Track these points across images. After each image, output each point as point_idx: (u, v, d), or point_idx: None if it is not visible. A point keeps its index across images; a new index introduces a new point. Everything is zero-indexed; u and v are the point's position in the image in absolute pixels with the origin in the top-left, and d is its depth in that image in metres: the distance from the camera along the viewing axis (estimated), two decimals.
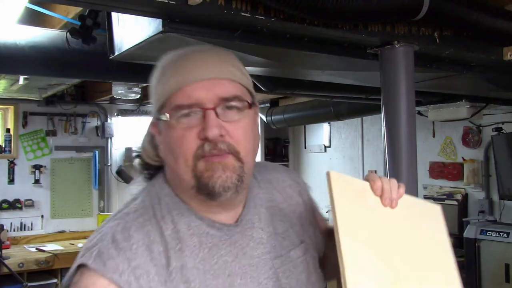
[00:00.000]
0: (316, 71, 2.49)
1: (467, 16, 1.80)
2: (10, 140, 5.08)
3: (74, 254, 0.94)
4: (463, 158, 4.39)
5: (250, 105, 0.96)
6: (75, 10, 2.18)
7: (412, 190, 1.81)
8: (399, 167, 1.81)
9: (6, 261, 4.06)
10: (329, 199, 0.84)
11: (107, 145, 5.54)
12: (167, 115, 0.93)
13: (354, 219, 0.84)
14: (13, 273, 3.91)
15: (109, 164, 5.52)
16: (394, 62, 1.83)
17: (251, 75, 1.02)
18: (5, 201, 5.02)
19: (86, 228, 5.26)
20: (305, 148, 6.13)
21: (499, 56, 2.09)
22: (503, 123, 4.08)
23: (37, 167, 5.17)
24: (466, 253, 3.64)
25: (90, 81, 4.74)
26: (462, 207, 4.26)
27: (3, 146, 5.07)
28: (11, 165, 5.09)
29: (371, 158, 5.25)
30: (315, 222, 1.14)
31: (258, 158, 1.13)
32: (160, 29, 1.48)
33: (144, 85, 3.59)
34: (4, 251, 4.37)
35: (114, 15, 1.84)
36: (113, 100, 5.35)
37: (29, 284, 4.00)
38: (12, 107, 5.12)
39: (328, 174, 0.86)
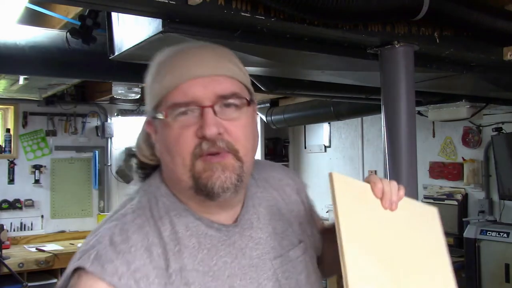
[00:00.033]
0: (316, 71, 2.49)
1: (467, 16, 1.80)
2: (10, 140, 5.08)
3: (74, 254, 0.92)
4: (463, 158, 4.39)
5: (249, 103, 0.94)
6: (75, 10, 2.18)
7: (412, 190, 1.82)
8: (399, 167, 1.81)
9: (6, 261, 4.06)
10: (331, 200, 0.84)
11: (107, 145, 5.54)
12: (163, 113, 0.91)
13: (356, 221, 0.84)
14: (13, 273, 3.92)
15: (109, 164, 5.52)
16: (394, 62, 1.83)
17: (251, 75, 1.01)
18: (5, 201, 5.02)
19: (86, 228, 5.26)
20: (305, 148, 6.13)
21: (499, 56, 2.09)
22: (503, 123, 4.08)
23: (37, 167, 5.17)
24: (466, 253, 3.64)
25: (90, 81, 4.74)
26: (462, 207, 4.25)
27: (3, 146, 5.07)
28: (11, 165, 5.10)
29: (371, 158, 5.25)
30: (313, 221, 1.14)
31: (258, 157, 1.11)
32: (160, 29, 1.48)
33: (144, 85, 3.58)
34: (4, 251, 4.37)
35: (114, 15, 1.84)
36: (113, 100, 5.35)
37: (29, 284, 4.00)
38: (12, 107, 5.12)
39: (330, 175, 0.86)
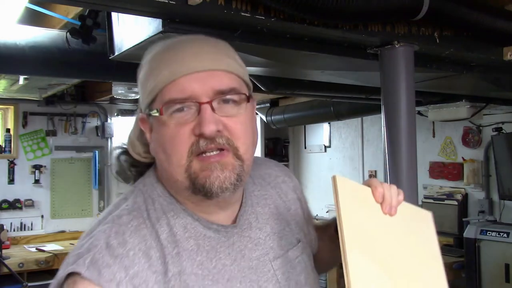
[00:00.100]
0: (316, 71, 2.49)
1: (467, 16, 1.80)
2: (10, 140, 5.08)
3: (66, 257, 0.87)
4: (463, 158, 4.39)
5: (248, 98, 0.90)
6: (75, 10, 2.18)
7: (412, 190, 1.82)
8: (399, 167, 1.81)
9: (6, 261, 4.07)
10: (334, 203, 0.83)
11: (107, 145, 5.54)
12: (159, 110, 0.87)
13: (357, 225, 0.84)
14: (13, 273, 3.91)
15: (109, 164, 5.52)
16: (394, 62, 1.83)
17: (251, 75, 1.00)
18: (5, 201, 5.02)
19: (86, 228, 5.23)
20: (305, 148, 6.13)
21: (499, 56, 2.09)
22: (503, 123, 4.08)
23: (37, 167, 5.17)
24: (466, 253, 3.64)
25: (90, 81, 4.75)
26: (462, 207, 4.25)
27: (3, 146, 5.07)
28: (11, 165, 5.10)
29: (371, 158, 5.25)
30: (309, 219, 1.12)
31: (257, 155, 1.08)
32: (160, 29, 1.48)
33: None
34: (4, 251, 4.37)
35: (114, 15, 1.84)
36: (113, 100, 5.35)
37: (29, 284, 4.00)
38: (12, 107, 5.12)
39: (334, 178, 0.85)
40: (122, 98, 4.54)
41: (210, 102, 0.85)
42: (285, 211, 1.05)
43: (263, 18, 1.49)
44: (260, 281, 0.91)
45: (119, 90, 3.91)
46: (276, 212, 1.02)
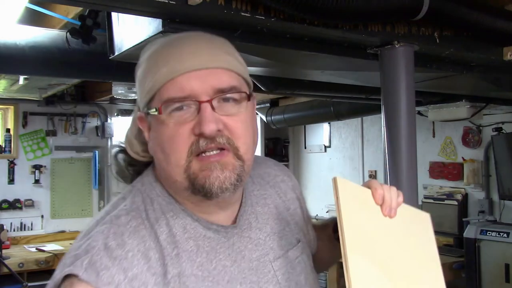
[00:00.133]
0: (316, 71, 2.49)
1: (467, 16, 1.80)
2: (10, 140, 5.08)
3: (62, 258, 0.85)
4: (463, 158, 4.39)
5: (248, 97, 0.89)
6: (75, 10, 2.18)
7: (412, 190, 1.82)
8: (399, 167, 1.81)
9: (6, 261, 4.07)
10: (335, 205, 0.83)
11: (107, 145, 5.54)
12: (157, 109, 0.85)
13: (358, 227, 0.84)
14: (13, 273, 3.91)
15: (109, 164, 5.51)
16: (394, 62, 1.83)
17: (251, 75, 0.99)
18: (5, 201, 5.02)
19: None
20: (305, 148, 6.13)
21: (499, 56, 2.09)
22: (503, 123, 4.08)
23: (37, 167, 5.17)
24: (466, 253, 3.64)
25: (90, 81, 4.75)
26: (462, 207, 4.25)
27: (3, 146, 5.07)
28: (11, 165, 5.10)
29: (371, 158, 5.25)
30: (308, 219, 1.11)
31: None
32: (160, 29, 1.48)
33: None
34: (4, 251, 4.37)
35: (114, 15, 1.84)
36: (113, 100, 5.36)
37: (29, 284, 4.00)
38: (12, 107, 5.13)
39: (334, 180, 0.85)
40: (122, 98, 4.54)
41: (210, 101, 0.83)
42: (285, 211, 1.04)
43: (263, 18, 1.49)
44: (260, 282, 0.90)
45: (119, 90, 3.91)
46: (275, 212, 1.02)
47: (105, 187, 5.52)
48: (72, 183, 5.37)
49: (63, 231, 5.25)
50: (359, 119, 5.27)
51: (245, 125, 0.87)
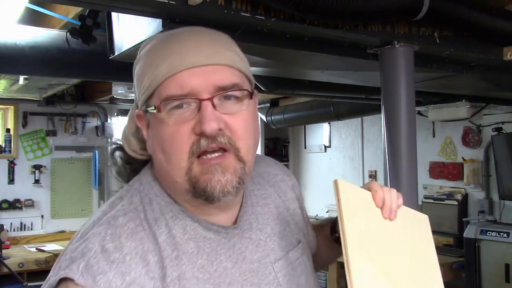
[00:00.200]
0: (316, 71, 2.49)
1: (467, 16, 1.80)
2: (10, 140, 5.08)
3: (58, 258, 0.83)
4: (463, 158, 4.39)
5: (251, 94, 0.86)
6: (75, 10, 2.18)
7: (412, 191, 1.81)
8: (399, 167, 1.81)
9: (6, 261, 4.07)
10: (336, 208, 0.83)
11: (107, 145, 5.54)
12: (157, 107, 0.82)
13: (359, 229, 0.84)
14: (13, 273, 3.92)
15: (109, 164, 5.50)
16: (394, 62, 1.83)
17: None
18: (5, 201, 5.02)
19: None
20: (305, 148, 6.13)
21: (499, 56, 2.09)
22: (503, 123, 4.08)
23: (37, 167, 5.17)
24: (466, 253, 3.64)
25: (90, 81, 4.75)
26: (462, 207, 4.25)
27: (3, 146, 5.07)
28: (11, 165, 5.10)
29: (371, 158, 5.25)
30: (307, 219, 1.10)
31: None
32: (160, 29, 1.48)
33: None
34: (4, 251, 4.37)
35: (114, 15, 1.84)
36: (113, 100, 5.35)
37: (29, 284, 4.00)
38: (12, 107, 5.13)
39: (335, 182, 0.84)
40: (122, 98, 4.54)
41: (211, 99, 0.81)
42: (285, 211, 1.03)
43: (263, 18, 1.49)
44: (261, 284, 0.89)
45: (119, 90, 3.91)
46: (276, 212, 1.00)
47: (105, 187, 5.52)
48: (72, 183, 5.37)
49: (63, 231, 5.24)
50: (359, 119, 5.27)
51: (247, 124, 0.85)
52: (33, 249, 4.66)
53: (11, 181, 5.09)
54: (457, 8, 1.77)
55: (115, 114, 5.59)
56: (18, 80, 3.60)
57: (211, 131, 0.80)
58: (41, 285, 0.81)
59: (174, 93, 0.81)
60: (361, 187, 0.92)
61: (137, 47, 1.68)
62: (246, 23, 1.52)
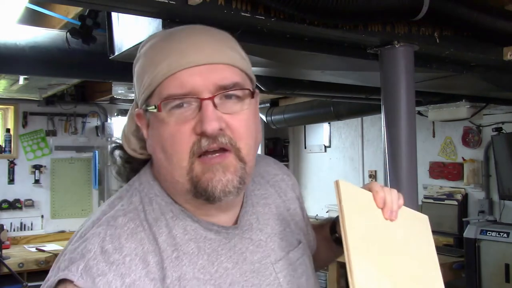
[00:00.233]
0: (316, 71, 2.49)
1: (467, 16, 1.80)
2: (10, 140, 5.08)
3: (57, 258, 0.83)
4: (463, 158, 4.39)
5: (252, 94, 0.85)
6: (75, 10, 2.18)
7: (412, 191, 1.81)
8: (399, 167, 1.81)
9: (6, 261, 4.07)
10: (338, 208, 0.83)
11: (107, 145, 5.54)
12: (157, 106, 0.81)
13: (361, 230, 0.84)
14: (13, 273, 3.92)
15: (109, 164, 5.51)
16: (394, 62, 1.83)
17: None
18: (5, 201, 5.02)
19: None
20: (305, 148, 6.13)
21: (499, 56, 2.09)
22: (503, 123, 4.08)
23: (37, 167, 5.17)
24: (466, 253, 3.64)
25: (90, 81, 4.75)
26: (462, 207, 4.25)
27: (3, 146, 5.07)
28: (11, 165, 5.10)
29: (371, 158, 5.25)
30: (307, 219, 1.10)
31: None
32: (160, 29, 1.48)
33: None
34: (4, 251, 4.37)
35: (114, 15, 1.84)
36: (113, 100, 5.35)
37: (29, 284, 4.00)
38: (12, 107, 5.13)
39: (337, 183, 0.84)
40: (122, 98, 4.54)
41: (212, 98, 0.80)
42: (285, 211, 1.02)
43: (263, 18, 1.49)
44: (262, 285, 0.88)
45: (119, 90, 3.91)
46: (276, 212, 1.00)
47: (105, 187, 5.52)
48: (72, 183, 5.38)
49: (63, 231, 5.24)
50: (359, 119, 5.27)
51: (248, 124, 0.84)
52: (33, 249, 4.67)
53: (11, 181, 5.09)
54: (457, 8, 1.77)
55: (115, 114, 5.59)
56: (18, 80, 3.61)
57: (212, 131, 0.79)
58: (41, 285, 0.81)
59: (175, 92, 0.80)
60: (362, 187, 0.92)
61: (137, 47, 1.68)
62: (246, 23, 1.52)
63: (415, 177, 1.84)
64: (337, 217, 1.05)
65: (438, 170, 4.59)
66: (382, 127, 1.89)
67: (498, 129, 4.03)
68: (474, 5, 1.82)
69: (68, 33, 2.15)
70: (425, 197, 4.41)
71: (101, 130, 5.48)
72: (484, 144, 4.26)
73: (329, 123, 5.69)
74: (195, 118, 0.80)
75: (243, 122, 0.83)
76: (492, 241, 3.50)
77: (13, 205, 5.05)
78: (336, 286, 4.18)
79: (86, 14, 2.07)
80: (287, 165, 6.00)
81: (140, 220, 0.83)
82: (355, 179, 5.20)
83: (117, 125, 5.53)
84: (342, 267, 4.11)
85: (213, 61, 0.82)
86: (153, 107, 0.82)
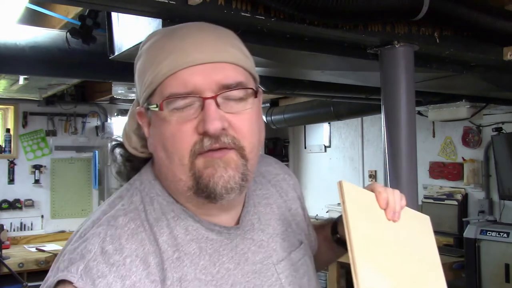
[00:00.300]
0: (316, 71, 2.49)
1: (467, 16, 1.80)
2: (10, 140, 5.08)
3: (56, 258, 0.81)
4: (463, 158, 4.39)
5: (255, 93, 0.84)
6: (75, 10, 2.18)
7: (412, 191, 1.81)
8: (399, 167, 1.81)
9: (6, 261, 4.07)
10: (342, 210, 0.83)
11: (107, 145, 5.54)
12: (159, 105, 0.80)
13: (364, 231, 0.84)
14: (13, 273, 3.92)
15: (109, 164, 5.50)
16: (394, 62, 1.83)
17: None
18: (5, 201, 5.02)
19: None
20: (305, 148, 6.13)
21: (499, 56, 2.09)
22: (503, 123, 4.08)
23: (37, 167, 5.17)
24: (466, 253, 3.64)
25: (90, 81, 4.75)
26: (462, 207, 4.25)
27: (3, 146, 5.07)
28: (11, 165, 5.10)
29: (371, 158, 5.25)
30: (308, 219, 1.09)
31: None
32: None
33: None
34: (4, 251, 4.37)
35: (114, 15, 1.84)
36: (113, 100, 5.35)
37: (29, 284, 4.00)
38: (12, 107, 5.13)
39: (340, 184, 0.84)
40: (122, 98, 4.54)
41: (214, 97, 0.79)
42: (286, 211, 1.02)
43: (263, 18, 1.49)
44: (264, 285, 0.88)
45: (119, 90, 3.91)
46: (277, 213, 0.99)
47: (105, 187, 5.51)
48: (72, 183, 5.38)
49: (63, 231, 5.24)
50: (359, 119, 5.27)
51: (251, 123, 0.83)
52: (33, 249, 4.66)
53: (11, 181, 5.09)
54: (457, 8, 1.77)
55: (115, 114, 5.59)
56: (18, 80, 3.61)
57: (214, 131, 0.78)
58: (41, 285, 0.81)
59: (177, 91, 0.80)
60: (364, 188, 0.92)
61: (137, 47, 1.68)
62: (246, 23, 1.51)
63: (415, 177, 1.84)
64: (338, 217, 1.05)
65: (438, 170, 4.59)
66: (382, 127, 1.89)
67: (498, 129, 4.03)
68: (474, 5, 1.82)
69: (68, 33, 2.15)
70: (425, 197, 4.41)
71: (101, 130, 5.48)
72: (484, 144, 4.26)
73: (329, 123, 5.69)
74: (198, 118, 0.79)
75: (246, 121, 0.82)
76: (492, 241, 3.51)
77: (13, 205, 5.05)
78: (336, 286, 4.18)
79: (86, 14, 2.07)
80: (287, 165, 5.99)
81: (141, 220, 0.82)
82: (355, 179, 5.20)
83: (117, 125, 5.53)
84: (342, 267, 4.11)
85: (216, 60, 0.81)
86: (155, 105, 0.82)
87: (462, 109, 3.51)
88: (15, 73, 3.28)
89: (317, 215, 5.32)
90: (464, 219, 4.03)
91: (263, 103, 5.29)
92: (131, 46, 1.70)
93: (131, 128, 0.93)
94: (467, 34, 1.97)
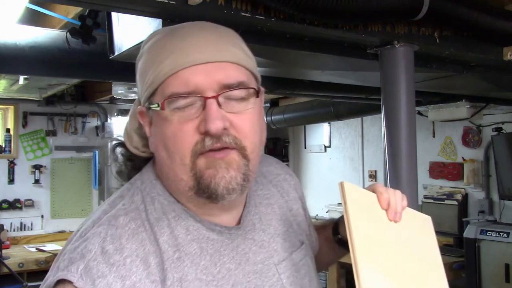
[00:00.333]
0: (316, 71, 2.49)
1: (467, 16, 1.80)
2: (10, 140, 5.08)
3: (56, 257, 0.81)
4: (463, 158, 4.39)
5: (257, 93, 0.84)
6: (75, 10, 2.18)
7: (412, 191, 1.81)
8: (399, 167, 1.81)
9: (6, 261, 4.07)
10: (343, 210, 0.83)
11: (107, 145, 5.53)
12: (160, 104, 0.80)
13: (366, 232, 0.84)
14: (13, 273, 3.92)
15: (109, 164, 5.51)
16: (394, 62, 1.83)
17: None
18: (5, 201, 5.02)
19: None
20: (305, 148, 6.13)
21: (499, 56, 2.09)
22: (503, 123, 4.08)
23: (37, 167, 5.17)
24: (466, 253, 3.64)
25: (90, 81, 4.75)
26: (462, 207, 4.25)
27: (3, 146, 5.07)
28: (11, 165, 5.10)
29: (371, 158, 5.25)
30: (309, 219, 1.09)
31: None
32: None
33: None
34: (4, 251, 4.37)
35: (114, 15, 1.84)
36: (113, 100, 5.35)
37: (29, 284, 4.00)
38: (12, 107, 5.13)
39: (341, 185, 0.84)
40: (122, 98, 4.54)
41: (216, 97, 0.79)
42: (288, 211, 1.01)
43: (263, 18, 1.49)
44: (265, 286, 0.87)
45: (119, 90, 3.91)
46: (279, 213, 0.99)
47: (105, 187, 5.51)
48: (72, 183, 5.38)
49: (63, 231, 5.24)
50: (359, 119, 5.27)
51: (253, 123, 0.83)
52: (33, 249, 4.66)
53: (11, 181, 5.09)
54: (457, 8, 1.77)
55: (115, 114, 5.59)
56: (18, 80, 3.60)
57: (215, 130, 0.78)
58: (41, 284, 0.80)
59: (178, 91, 0.79)
60: (365, 188, 0.92)
61: (137, 47, 1.68)
62: (246, 23, 1.51)
63: (415, 177, 1.84)
64: (339, 218, 1.05)
65: (438, 170, 4.59)
66: (382, 127, 1.89)
67: (498, 129, 4.03)
68: (474, 5, 1.82)
69: (68, 33, 2.15)
70: (425, 197, 4.41)
71: (101, 130, 5.48)
72: (484, 144, 4.26)
73: (329, 123, 5.69)
74: (199, 117, 0.79)
75: (248, 121, 0.82)
76: (492, 241, 3.51)
77: (13, 205, 5.05)
78: (336, 286, 4.18)
79: (86, 14, 2.07)
80: (287, 165, 6.00)
81: (142, 220, 0.82)
82: (355, 179, 5.20)
83: (117, 125, 5.53)
84: (342, 267, 4.11)
85: (217, 59, 0.80)
86: (156, 105, 0.81)
87: (462, 109, 3.51)
88: (15, 73, 3.28)
89: (317, 215, 5.32)
90: (464, 219, 4.03)
91: (263, 103, 5.30)
92: (131, 46, 1.70)
93: (133, 128, 0.93)
94: (467, 34, 1.97)
